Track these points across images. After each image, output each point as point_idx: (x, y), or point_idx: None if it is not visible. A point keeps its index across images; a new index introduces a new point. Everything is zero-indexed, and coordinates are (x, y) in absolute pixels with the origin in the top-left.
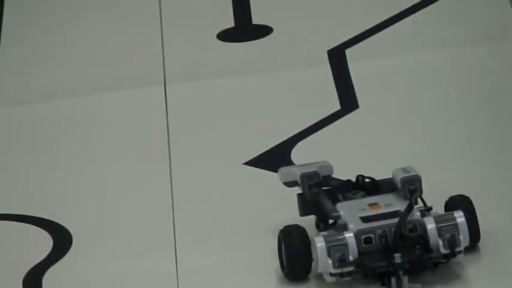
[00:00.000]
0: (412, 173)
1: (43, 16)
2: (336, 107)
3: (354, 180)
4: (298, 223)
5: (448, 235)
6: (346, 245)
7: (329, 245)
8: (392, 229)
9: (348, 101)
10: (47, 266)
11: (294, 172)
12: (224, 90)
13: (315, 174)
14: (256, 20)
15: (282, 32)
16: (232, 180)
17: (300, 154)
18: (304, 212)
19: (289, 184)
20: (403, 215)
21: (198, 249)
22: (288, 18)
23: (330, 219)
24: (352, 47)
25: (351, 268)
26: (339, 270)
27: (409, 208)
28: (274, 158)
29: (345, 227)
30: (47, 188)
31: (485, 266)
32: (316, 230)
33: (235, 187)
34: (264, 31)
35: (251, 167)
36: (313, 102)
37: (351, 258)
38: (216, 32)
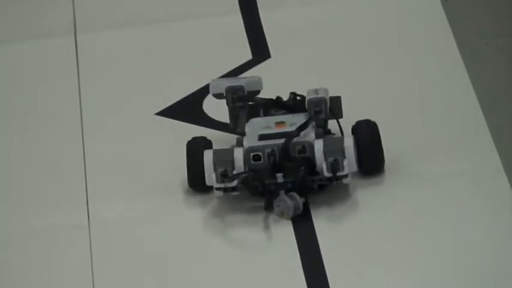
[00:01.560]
0: (320, 95)
1: None
2: (248, 56)
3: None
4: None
5: (331, 159)
6: (231, 161)
7: (216, 159)
8: (280, 148)
9: (260, 50)
10: None
11: (222, 84)
12: (135, 40)
13: (239, 88)
14: None
15: None
16: (145, 130)
17: (213, 104)
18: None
19: (217, 96)
20: (291, 136)
21: (109, 200)
22: None
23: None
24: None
25: (233, 184)
26: (222, 185)
27: (300, 129)
28: (186, 108)
29: (241, 143)
30: None
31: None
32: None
33: (147, 137)
34: None
35: (163, 117)
36: (226, 52)
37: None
38: None
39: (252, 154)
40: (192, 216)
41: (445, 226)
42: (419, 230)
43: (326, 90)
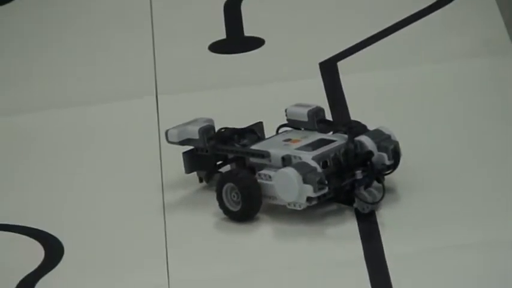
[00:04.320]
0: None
1: (34, 28)
2: None
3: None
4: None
5: (391, 147)
6: (315, 169)
7: (303, 172)
8: (342, 151)
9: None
10: (38, 277)
11: (186, 130)
12: (214, 102)
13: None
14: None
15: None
16: None
17: None
18: (190, 169)
19: (183, 142)
20: (350, 135)
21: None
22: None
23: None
24: (343, 60)
25: (324, 191)
26: (319, 193)
27: (353, 133)
28: None
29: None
30: (37, 197)
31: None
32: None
33: None
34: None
35: None
36: None
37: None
38: (208, 44)
39: (321, 162)
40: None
41: None
42: None
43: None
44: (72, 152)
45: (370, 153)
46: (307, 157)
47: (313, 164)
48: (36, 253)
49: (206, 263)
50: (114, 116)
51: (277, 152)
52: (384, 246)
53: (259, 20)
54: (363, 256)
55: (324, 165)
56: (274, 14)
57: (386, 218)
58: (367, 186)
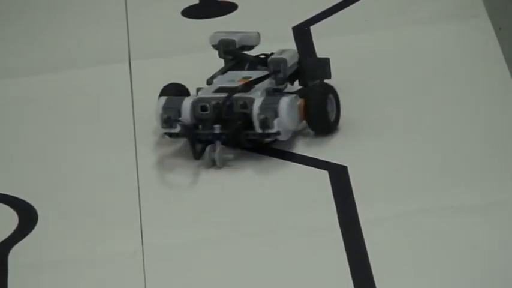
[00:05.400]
0: (281, 56)
1: None
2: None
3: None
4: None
5: (262, 116)
6: (179, 109)
7: (165, 105)
8: (227, 103)
9: None
10: (12, 244)
11: (217, 37)
12: (187, 66)
13: (230, 42)
14: None
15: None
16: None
17: None
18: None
19: (214, 47)
20: (234, 90)
21: (165, 231)
22: None
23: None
24: (316, 24)
25: (176, 130)
26: (166, 130)
27: (246, 85)
28: None
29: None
30: (10, 164)
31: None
32: None
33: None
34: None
35: None
36: None
37: (182, 121)
38: (181, 9)
39: (200, 104)
40: None
41: None
42: None
43: (292, 52)
44: (45, 119)
45: (241, 114)
46: (188, 100)
47: (186, 102)
48: (10, 220)
49: (181, 227)
50: (87, 82)
51: (213, 83)
52: (358, 210)
53: None
54: (337, 221)
55: (204, 109)
56: None
57: (361, 181)
58: (225, 143)
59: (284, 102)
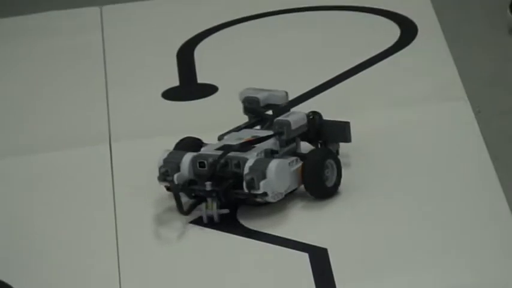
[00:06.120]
0: (287, 118)
1: None
2: None
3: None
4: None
5: (248, 177)
6: (177, 163)
7: (166, 159)
8: (222, 161)
9: None
10: None
11: (244, 93)
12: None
13: (254, 99)
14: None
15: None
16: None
17: None
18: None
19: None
20: (227, 150)
21: None
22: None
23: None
24: (296, 107)
25: (167, 184)
26: (163, 184)
27: (242, 145)
28: None
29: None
30: None
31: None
32: None
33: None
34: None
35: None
36: None
37: (174, 176)
38: (161, 91)
39: (198, 161)
40: None
41: None
42: None
43: (300, 115)
44: (21, 200)
45: (233, 173)
46: (189, 155)
47: (186, 159)
48: None
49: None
50: (66, 164)
51: (222, 141)
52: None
53: (213, 67)
54: None
55: (202, 166)
56: (228, 61)
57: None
58: (219, 200)
59: (273, 164)
